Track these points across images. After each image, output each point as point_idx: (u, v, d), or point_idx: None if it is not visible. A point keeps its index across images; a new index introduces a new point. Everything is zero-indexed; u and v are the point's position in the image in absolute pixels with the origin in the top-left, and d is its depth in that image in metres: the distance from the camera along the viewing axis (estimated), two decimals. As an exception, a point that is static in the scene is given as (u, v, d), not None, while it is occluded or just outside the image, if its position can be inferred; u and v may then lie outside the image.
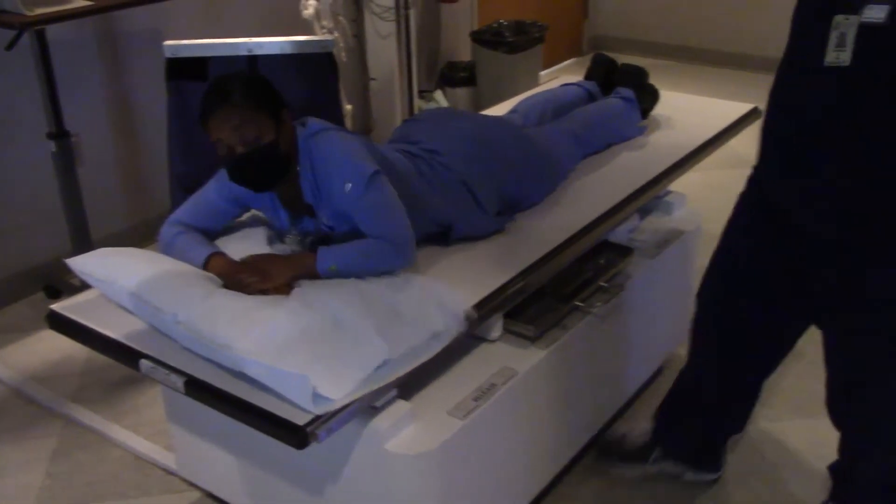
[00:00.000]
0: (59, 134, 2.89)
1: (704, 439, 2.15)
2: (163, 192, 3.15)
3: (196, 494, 2.22)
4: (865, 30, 1.46)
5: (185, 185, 2.99)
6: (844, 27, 1.47)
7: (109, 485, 2.28)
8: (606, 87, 2.62)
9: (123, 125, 3.42)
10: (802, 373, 2.57)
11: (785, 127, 1.66)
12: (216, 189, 1.92)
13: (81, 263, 1.77)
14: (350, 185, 1.75)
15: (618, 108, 2.51)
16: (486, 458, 1.78)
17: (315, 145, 1.80)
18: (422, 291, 1.72)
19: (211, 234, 1.94)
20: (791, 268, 1.74)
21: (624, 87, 2.56)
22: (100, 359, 2.76)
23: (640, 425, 2.25)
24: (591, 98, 2.57)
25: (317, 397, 1.45)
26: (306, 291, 1.71)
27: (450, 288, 1.74)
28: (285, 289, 1.73)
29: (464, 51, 4.78)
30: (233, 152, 1.73)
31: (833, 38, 1.48)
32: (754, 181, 1.81)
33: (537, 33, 4.61)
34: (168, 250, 1.86)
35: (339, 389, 1.46)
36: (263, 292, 1.71)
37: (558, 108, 2.46)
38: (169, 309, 1.62)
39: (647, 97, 2.63)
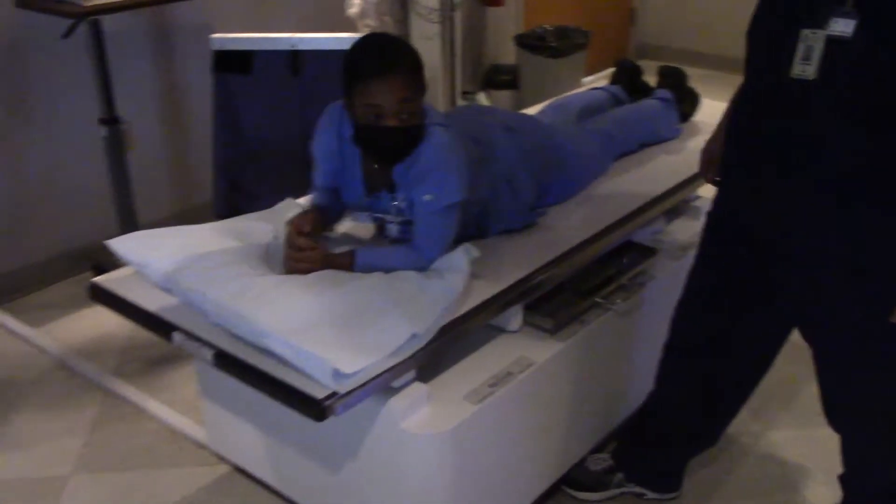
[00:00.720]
0: (111, 120, 2.98)
1: (669, 464, 2.15)
2: (207, 180, 3.25)
3: (225, 468, 2.30)
4: (832, 44, 1.46)
5: (227, 174, 3.10)
6: (812, 41, 1.47)
7: (144, 455, 2.36)
8: (632, 92, 2.63)
9: (171, 115, 3.52)
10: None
11: (747, 137, 1.66)
12: (321, 163, 1.93)
13: (121, 244, 1.86)
14: (430, 197, 1.78)
15: (654, 109, 2.52)
16: (499, 444, 1.82)
17: (429, 136, 1.78)
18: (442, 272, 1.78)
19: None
20: (759, 279, 1.74)
21: (663, 89, 2.58)
22: (140, 337, 2.87)
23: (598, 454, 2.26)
24: (616, 102, 2.58)
25: (337, 375, 1.50)
26: (332, 274, 1.77)
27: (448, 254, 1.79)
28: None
29: (508, 54, 4.81)
30: (381, 120, 1.71)
31: (800, 50, 1.48)
32: (718, 197, 1.81)
33: (581, 39, 4.62)
34: None
35: (357, 364, 1.52)
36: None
37: (583, 111, 2.47)
38: (199, 288, 1.70)
39: (687, 100, 2.63)
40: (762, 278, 1.74)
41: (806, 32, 1.48)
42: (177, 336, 1.69)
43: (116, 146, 3.03)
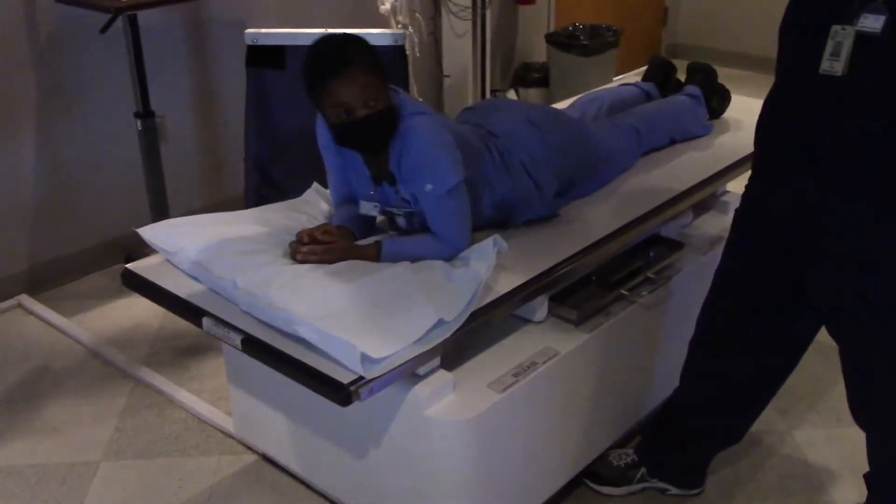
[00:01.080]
0: (146, 114, 3.03)
1: (693, 461, 2.14)
2: (238, 174, 3.27)
3: (252, 457, 2.32)
4: (861, 40, 1.45)
5: (259, 169, 3.12)
6: (841, 37, 1.47)
7: (172, 443, 2.40)
8: (664, 90, 2.62)
9: (205, 109, 3.57)
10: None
11: (777, 135, 1.65)
12: (329, 159, 1.97)
13: (150, 233, 1.90)
14: (431, 186, 1.80)
15: (683, 105, 2.51)
16: (522, 433, 1.82)
17: (411, 128, 1.81)
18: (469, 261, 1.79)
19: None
20: (788, 276, 1.74)
21: (692, 85, 2.56)
22: (170, 327, 2.92)
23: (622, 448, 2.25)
24: (648, 98, 2.58)
25: (365, 360, 1.52)
26: (360, 263, 1.79)
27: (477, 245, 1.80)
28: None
29: (539, 52, 4.81)
30: (352, 115, 1.74)
31: (829, 47, 1.48)
32: (748, 195, 1.81)
33: (612, 37, 4.61)
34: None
35: (385, 350, 1.53)
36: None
37: (613, 105, 2.48)
38: (228, 276, 1.72)
39: (717, 97, 2.62)
40: (791, 275, 1.74)
41: (836, 29, 1.48)
42: (206, 321, 1.71)
43: (151, 139, 3.08)
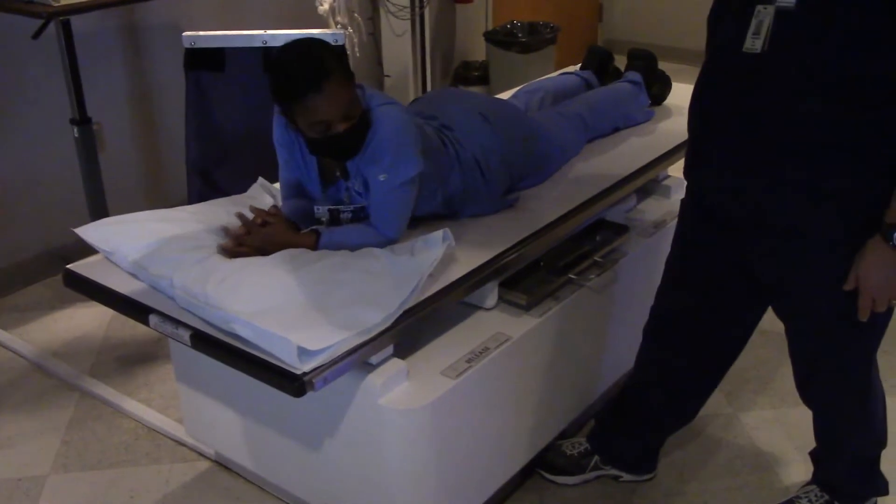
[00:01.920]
0: (82, 120, 2.96)
1: (645, 445, 2.17)
2: (180, 179, 3.22)
3: (205, 463, 2.29)
4: (779, 15, 1.50)
5: (201, 173, 3.08)
6: (763, 15, 1.52)
7: (122, 453, 2.35)
8: (603, 78, 2.65)
9: (144, 114, 3.51)
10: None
11: (706, 119, 1.69)
12: (283, 156, 1.93)
13: (88, 232, 1.86)
14: (384, 177, 1.79)
15: (626, 92, 2.54)
16: (477, 419, 1.83)
17: (381, 116, 1.78)
18: (402, 249, 1.80)
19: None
20: (734, 261, 1.77)
21: (633, 71, 2.59)
22: (116, 336, 2.87)
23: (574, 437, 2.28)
24: (588, 86, 2.60)
25: (302, 354, 1.50)
26: (298, 254, 1.77)
27: (426, 236, 1.79)
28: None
29: (478, 50, 4.84)
30: (331, 129, 1.71)
31: (752, 25, 1.53)
32: (689, 184, 1.84)
33: (549, 34, 4.67)
34: None
35: (323, 342, 1.52)
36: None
37: (556, 95, 2.49)
38: (166, 274, 1.70)
39: (658, 83, 2.66)
40: (737, 260, 1.77)
41: (759, 8, 1.52)
42: (153, 319, 1.69)
43: (88, 146, 3.00)
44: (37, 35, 2.78)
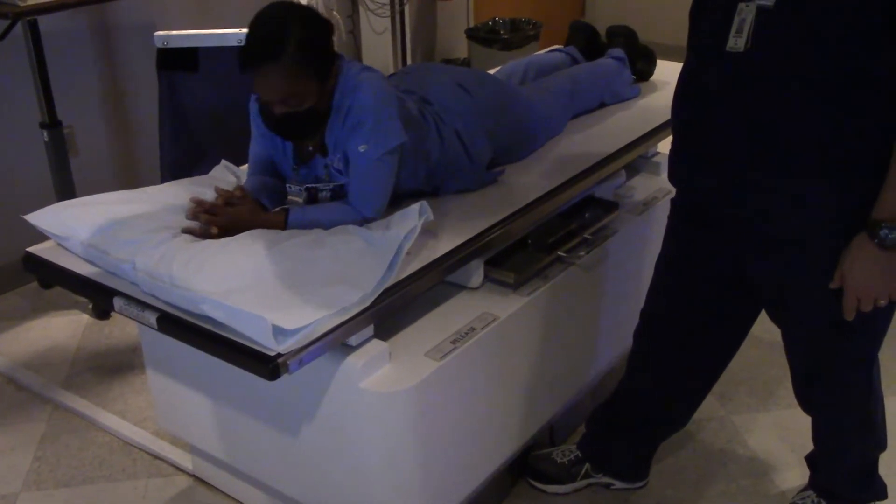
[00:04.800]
0: (52, 124, 2.91)
1: (637, 452, 2.11)
2: (154, 181, 3.14)
3: (182, 477, 2.21)
4: (760, 14, 1.47)
5: (176, 175, 3.00)
6: (745, 13, 1.50)
7: (97, 468, 2.27)
8: (590, 55, 2.59)
9: (117, 116, 3.44)
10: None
11: (691, 118, 1.65)
12: (258, 129, 1.88)
13: (39, 217, 1.77)
14: (365, 147, 1.71)
15: (610, 68, 2.49)
16: (464, 403, 1.74)
17: (361, 83, 1.71)
18: (379, 225, 1.71)
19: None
20: (727, 261, 1.73)
21: (615, 48, 2.55)
22: (90, 347, 2.79)
23: (564, 445, 2.23)
24: (573, 62, 2.54)
25: (278, 334, 1.42)
26: (268, 232, 1.69)
27: (402, 211, 1.71)
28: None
29: (459, 48, 4.81)
30: (270, 106, 1.68)
31: (735, 24, 1.50)
32: (677, 183, 1.79)
33: (532, 31, 4.64)
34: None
35: (299, 321, 1.43)
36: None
37: (540, 71, 2.43)
38: (127, 257, 1.61)
39: (642, 59, 2.62)
40: (730, 261, 1.73)
41: (741, 6, 1.50)
42: (118, 301, 1.60)
43: (59, 150, 2.94)
44: (2, 36, 2.72)
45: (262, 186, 1.84)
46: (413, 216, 1.67)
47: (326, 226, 1.72)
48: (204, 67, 2.87)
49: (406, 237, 1.63)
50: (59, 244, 1.75)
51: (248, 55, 1.63)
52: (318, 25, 1.68)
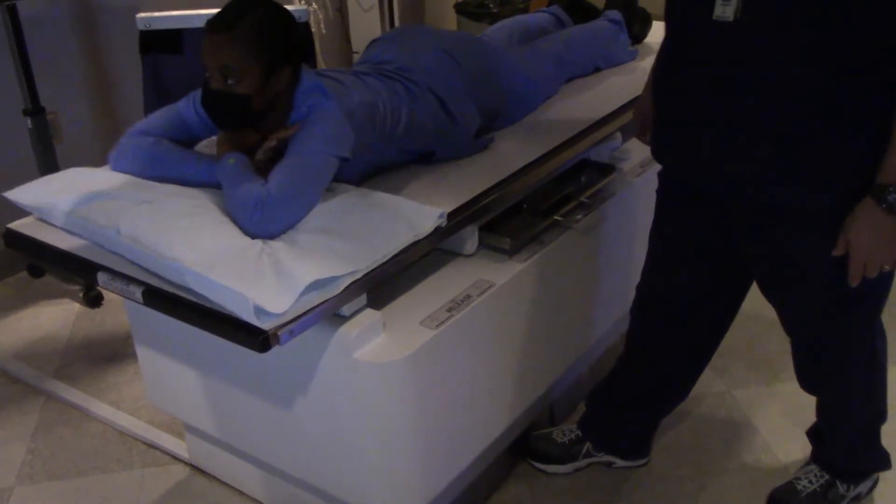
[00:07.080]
0: (35, 111, 2.86)
1: (638, 429, 2.08)
2: (142, 166, 3.11)
3: (179, 467, 2.18)
4: None
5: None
6: None
7: (91, 459, 2.23)
8: (575, 15, 2.53)
9: (102, 101, 3.39)
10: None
11: (675, 89, 1.60)
12: (185, 102, 1.82)
13: (19, 194, 1.72)
14: (313, 139, 1.62)
15: (605, 30, 2.43)
16: (460, 372, 1.69)
17: (314, 114, 1.65)
18: (392, 210, 1.62)
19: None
20: (719, 235, 1.70)
21: (611, 10, 2.49)
22: (82, 336, 2.76)
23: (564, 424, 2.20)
24: (559, 22, 2.48)
25: (260, 313, 1.36)
26: None
27: (420, 205, 1.65)
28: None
29: (449, 22, 4.74)
30: (210, 81, 1.63)
31: None
32: (663, 160, 1.76)
33: (521, 4, 4.56)
34: (145, 162, 1.74)
35: (282, 303, 1.37)
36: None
37: (524, 32, 2.37)
38: (111, 223, 1.55)
39: (638, 22, 2.56)
40: (718, 233, 1.70)
41: None
42: (102, 276, 1.54)
43: (43, 137, 2.90)
44: (-19, 23, 2.67)
45: (145, 149, 1.77)
46: (429, 219, 1.60)
47: (226, 193, 1.60)
48: (188, 49, 2.82)
49: (413, 236, 1.57)
50: (42, 219, 1.70)
51: (208, 24, 1.61)
52: (283, 19, 1.65)
